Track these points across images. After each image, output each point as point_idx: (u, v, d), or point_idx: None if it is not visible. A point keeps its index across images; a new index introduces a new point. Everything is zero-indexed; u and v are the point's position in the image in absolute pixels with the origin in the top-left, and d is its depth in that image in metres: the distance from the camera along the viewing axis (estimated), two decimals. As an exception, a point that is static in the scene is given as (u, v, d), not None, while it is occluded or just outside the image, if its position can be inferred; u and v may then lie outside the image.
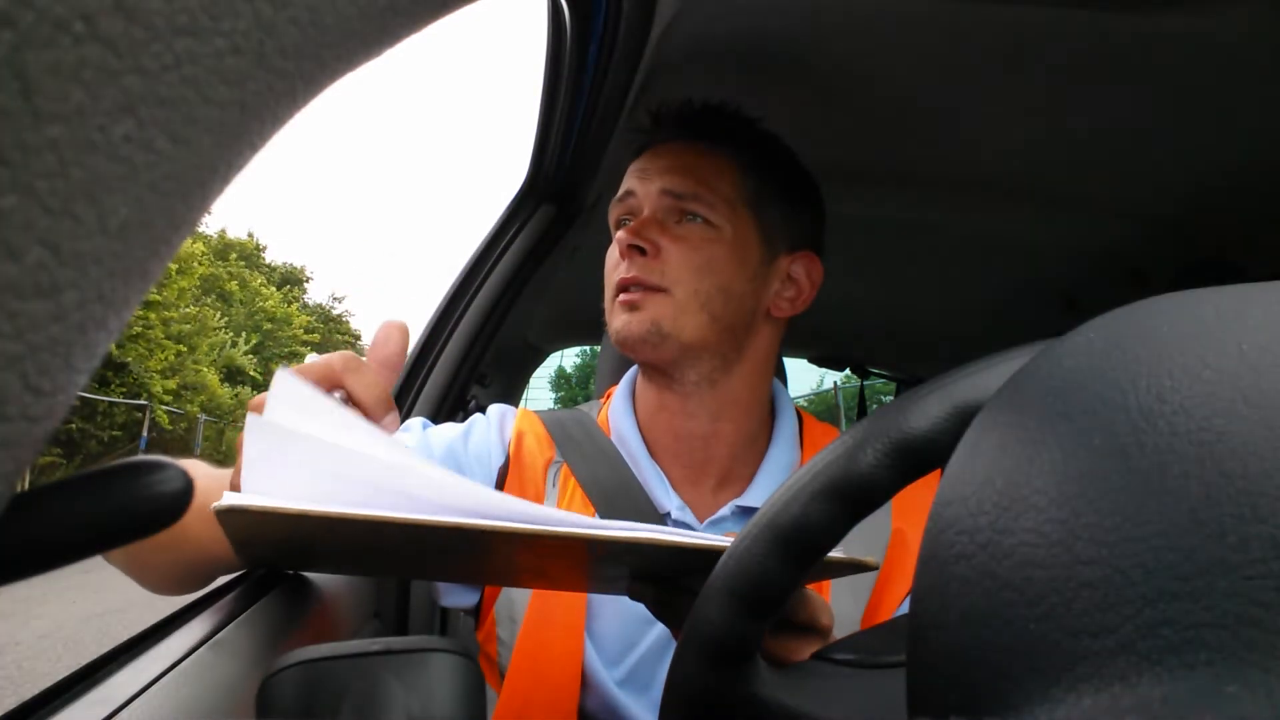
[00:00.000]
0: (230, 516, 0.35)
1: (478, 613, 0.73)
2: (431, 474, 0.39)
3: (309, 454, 0.38)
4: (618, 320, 0.70)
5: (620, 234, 0.71)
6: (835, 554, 0.43)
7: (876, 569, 0.46)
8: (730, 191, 0.71)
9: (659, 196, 0.71)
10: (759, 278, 0.72)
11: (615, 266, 0.72)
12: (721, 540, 0.41)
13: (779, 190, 0.74)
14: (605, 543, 0.39)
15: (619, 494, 0.70)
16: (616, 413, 0.77)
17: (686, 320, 0.68)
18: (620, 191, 0.75)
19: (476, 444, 0.74)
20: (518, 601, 0.69)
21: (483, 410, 0.80)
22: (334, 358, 0.46)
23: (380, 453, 0.39)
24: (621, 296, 0.70)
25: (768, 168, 0.74)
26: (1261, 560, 0.14)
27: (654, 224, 0.71)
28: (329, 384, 0.46)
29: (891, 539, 0.70)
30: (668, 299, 0.69)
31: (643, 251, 0.69)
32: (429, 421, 0.78)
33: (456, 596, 0.72)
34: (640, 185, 0.73)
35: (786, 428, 0.76)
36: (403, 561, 0.55)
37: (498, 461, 0.74)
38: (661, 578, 0.50)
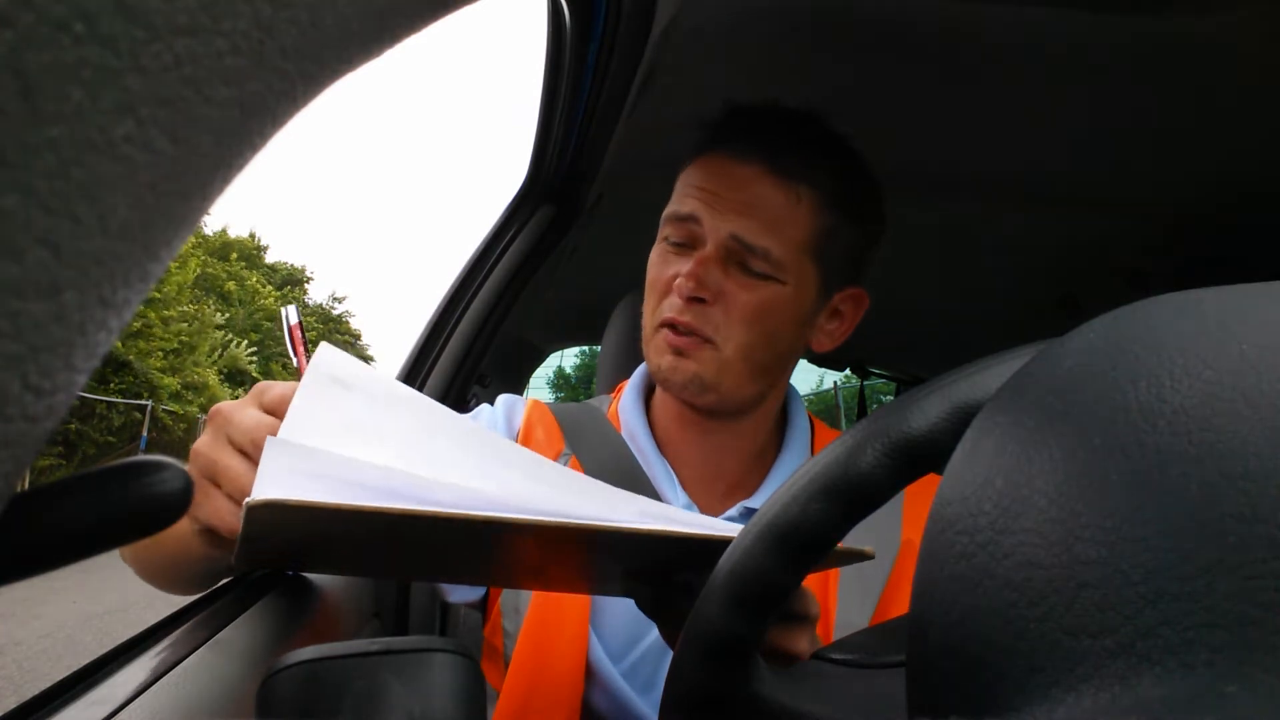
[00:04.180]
0: (260, 512, 0.34)
1: (483, 607, 0.73)
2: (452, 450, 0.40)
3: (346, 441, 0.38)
4: (662, 360, 0.68)
5: (681, 280, 0.66)
6: None
7: (873, 558, 0.46)
8: (800, 236, 0.66)
9: (728, 240, 0.66)
10: (808, 322, 0.70)
11: (665, 291, 0.68)
12: (728, 529, 0.40)
13: (850, 224, 0.69)
14: (614, 534, 0.39)
15: (626, 488, 0.71)
16: (628, 409, 0.77)
17: (728, 373, 0.67)
18: (682, 207, 0.68)
19: None
20: (523, 593, 0.69)
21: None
22: (258, 395, 0.48)
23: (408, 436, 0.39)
24: (670, 336, 0.67)
25: (845, 199, 0.69)
26: (1261, 560, 0.14)
27: (716, 266, 0.66)
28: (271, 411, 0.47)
29: (901, 549, 0.70)
30: (715, 353, 0.66)
31: (702, 301, 0.66)
32: None
33: (462, 592, 0.72)
34: (708, 216, 0.67)
35: (800, 435, 0.76)
36: (407, 560, 0.55)
37: None
38: (656, 574, 0.50)
